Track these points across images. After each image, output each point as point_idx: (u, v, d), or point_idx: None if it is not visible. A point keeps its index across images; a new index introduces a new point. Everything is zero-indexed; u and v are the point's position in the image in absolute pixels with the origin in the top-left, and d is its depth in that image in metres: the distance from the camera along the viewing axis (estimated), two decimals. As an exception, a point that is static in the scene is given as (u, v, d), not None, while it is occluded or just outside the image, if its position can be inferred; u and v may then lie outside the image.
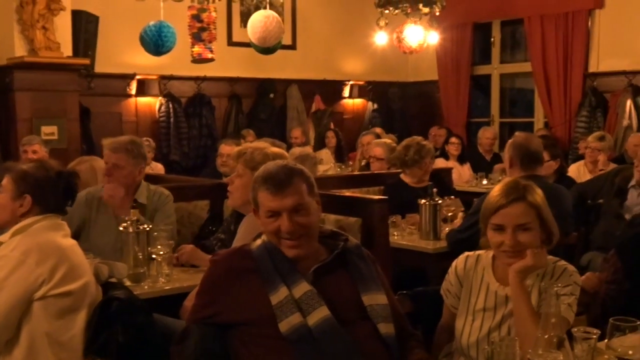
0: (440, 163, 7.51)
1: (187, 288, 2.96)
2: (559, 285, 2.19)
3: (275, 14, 4.63)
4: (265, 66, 8.33)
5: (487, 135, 8.12)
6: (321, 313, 2.04)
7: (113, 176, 3.71)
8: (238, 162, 3.12)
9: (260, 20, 4.54)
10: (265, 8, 4.66)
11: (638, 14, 7.97)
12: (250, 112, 8.97)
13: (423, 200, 4.31)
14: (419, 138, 5.19)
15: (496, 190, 2.33)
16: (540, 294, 2.23)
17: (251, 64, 8.36)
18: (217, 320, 2.14)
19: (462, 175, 7.46)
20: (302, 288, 2.08)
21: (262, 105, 9.02)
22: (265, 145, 3.19)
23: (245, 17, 8.11)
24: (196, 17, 4.77)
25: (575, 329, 1.81)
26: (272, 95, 9.07)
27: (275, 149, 3.16)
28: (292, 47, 9.27)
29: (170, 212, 3.86)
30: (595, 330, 1.79)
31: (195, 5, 4.77)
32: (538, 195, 2.30)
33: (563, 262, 2.35)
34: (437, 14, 7.17)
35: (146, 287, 3.10)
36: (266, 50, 4.87)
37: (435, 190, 4.38)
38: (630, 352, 1.88)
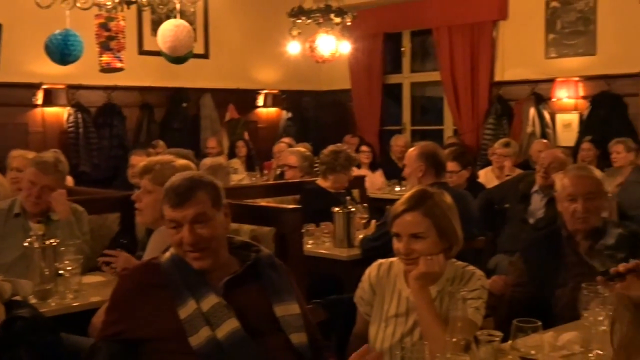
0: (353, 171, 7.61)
1: (96, 304, 2.88)
2: (466, 289, 2.27)
3: (186, 23, 4.58)
4: (178, 75, 8.22)
5: (398, 143, 8.29)
6: (230, 325, 2.03)
7: (42, 198, 3.62)
8: (144, 178, 3.02)
9: (170, 29, 4.48)
10: (175, 17, 4.60)
11: (539, 25, 8.32)
12: (162, 121, 8.84)
13: (336, 209, 4.36)
14: (344, 145, 5.28)
15: (401, 198, 2.39)
16: (450, 298, 2.29)
17: (163, 73, 8.23)
18: (127, 337, 2.09)
19: (374, 182, 7.57)
20: (210, 301, 2.07)
21: (175, 115, 8.91)
22: (171, 158, 3.12)
23: (156, 26, 7.93)
24: (104, 26, 4.66)
25: (480, 332, 1.87)
26: (185, 105, 8.97)
27: (182, 162, 3.09)
28: (205, 56, 9.20)
29: (86, 229, 3.80)
30: (497, 333, 1.85)
31: (103, 14, 4.66)
32: (440, 204, 2.36)
33: (471, 267, 2.42)
34: (349, 24, 7.29)
35: (53, 304, 3.00)
36: (177, 59, 4.81)
37: (348, 198, 4.45)
38: (533, 351, 1.96)
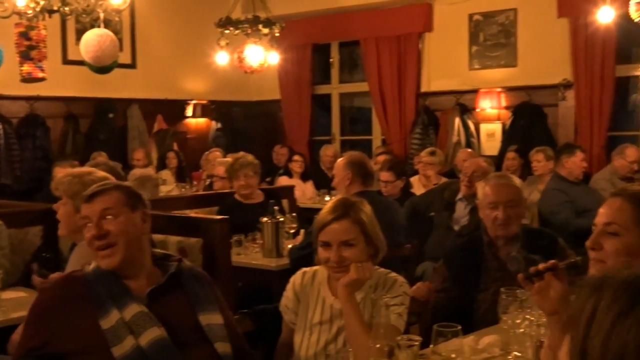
0: (284, 181, 7.65)
1: (17, 320, 2.80)
2: (388, 296, 2.31)
3: (110, 33, 4.51)
4: (104, 85, 8.07)
5: (327, 153, 8.36)
6: (153, 333, 2.03)
7: None
8: (59, 189, 2.98)
9: (93, 39, 4.41)
10: (99, 26, 4.53)
11: (463, 37, 8.54)
12: (88, 132, 8.66)
13: (265, 218, 4.37)
14: (242, 153, 5.28)
15: (325, 208, 2.42)
16: (373, 305, 2.33)
17: (88, 83, 8.06)
18: (47, 351, 2.05)
19: (305, 192, 7.63)
20: (133, 309, 2.06)
21: (101, 126, 8.74)
22: (90, 170, 3.08)
23: (80, 35, 7.72)
24: (24, 35, 4.54)
25: (399, 338, 1.91)
26: (111, 115, 8.81)
27: (101, 173, 3.03)
28: (132, 65, 9.07)
29: (5, 243, 3.71)
30: (417, 338, 1.90)
31: (23, 23, 4.54)
32: (364, 212, 2.40)
33: (394, 274, 2.47)
34: (277, 34, 7.32)
35: (-29, 321, 2.91)
36: (102, 69, 4.73)
37: (276, 208, 4.46)
38: (453, 355, 2.01)
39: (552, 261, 2.00)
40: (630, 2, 5.09)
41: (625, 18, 5.78)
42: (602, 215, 2.02)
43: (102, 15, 4.45)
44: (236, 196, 5.09)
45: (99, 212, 2.14)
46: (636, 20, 5.16)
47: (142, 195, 2.26)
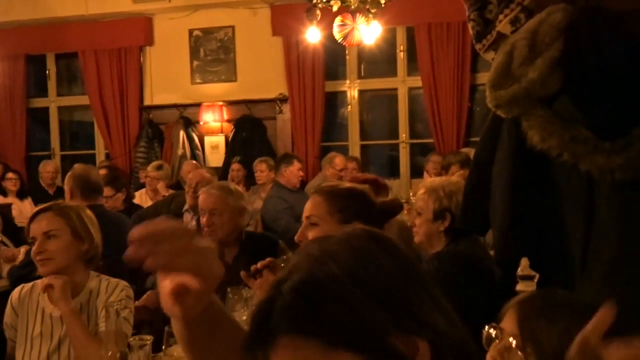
0: (-2, 200, 7.15)
1: None
2: (112, 300, 2.35)
3: None
4: None
5: (47, 169, 7.99)
6: None
7: None
8: None
9: None
10: None
11: (184, 52, 8.68)
12: None
13: (-21, 240, 4.08)
14: None
15: None
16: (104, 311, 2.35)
17: None
18: None
19: (23, 211, 7.19)
20: None
21: None
22: None
23: None
24: None
25: (132, 338, 1.97)
26: None
27: None
28: None
29: None
30: (148, 337, 1.97)
31: None
32: (74, 208, 2.50)
33: (115, 280, 2.52)
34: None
35: None
36: None
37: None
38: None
39: (269, 259, 2.25)
40: (334, 25, 5.63)
41: (331, 39, 6.35)
42: (305, 211, 2.29)
43: None
44: None
45: None
46: (339, 40, 5.71)
47: None
